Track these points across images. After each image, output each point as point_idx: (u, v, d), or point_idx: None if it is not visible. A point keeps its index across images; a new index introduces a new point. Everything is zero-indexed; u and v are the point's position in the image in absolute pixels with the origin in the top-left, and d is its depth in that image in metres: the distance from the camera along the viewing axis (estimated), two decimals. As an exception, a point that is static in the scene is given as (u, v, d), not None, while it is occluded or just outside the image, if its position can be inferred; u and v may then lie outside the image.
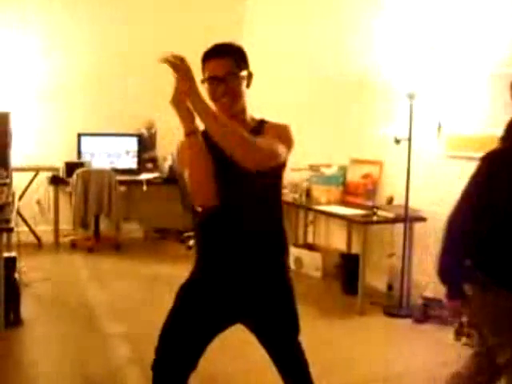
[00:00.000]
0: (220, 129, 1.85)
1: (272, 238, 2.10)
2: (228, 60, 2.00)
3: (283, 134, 2.04)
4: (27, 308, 4.06)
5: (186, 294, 2.10)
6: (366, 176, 5.14)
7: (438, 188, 4.43)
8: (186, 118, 1.88)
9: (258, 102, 2.49)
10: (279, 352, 2.16)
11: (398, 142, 4.41)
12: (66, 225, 6.25)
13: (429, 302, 4.25)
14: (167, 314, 2.09)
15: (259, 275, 2.07)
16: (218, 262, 2.08)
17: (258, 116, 2.14)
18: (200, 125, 1.91)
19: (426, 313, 4.22)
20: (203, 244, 2.12)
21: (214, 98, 1.99)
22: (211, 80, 1.98)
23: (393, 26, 4.87)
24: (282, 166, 2.07)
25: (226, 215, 2.02)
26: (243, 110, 2.05)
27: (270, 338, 2.14)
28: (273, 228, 2.11)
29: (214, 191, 1.94)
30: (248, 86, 2.06)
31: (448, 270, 2.21)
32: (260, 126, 2.07)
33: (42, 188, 6.35)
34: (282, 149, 1.98)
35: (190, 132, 1.89)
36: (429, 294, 4.33)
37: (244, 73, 2.03)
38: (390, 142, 4.52)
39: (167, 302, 2.13)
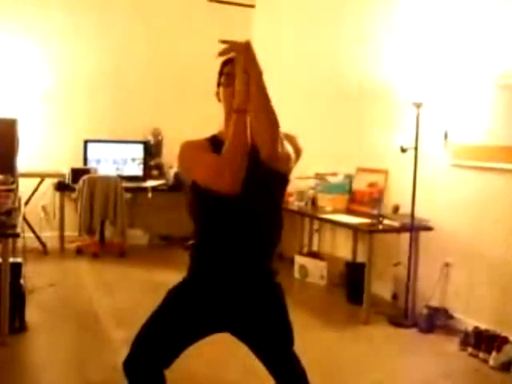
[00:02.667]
0: (267, 101, 1.84)
1: (264, 250, 2.08)
2: None
3: (295, 144, 2.06)
4: (32, 314, 4.05)
5: (173, 296, 2.12)
6: (371, 185, 5.13)
7: (444, 197, 4.42)
8: (243, 93, 1.85)
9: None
10: (272, 364, 2.10)
11: (404, 150, 4.40)
12: (71, 231, 6.27)
13: (434, 312, 4.23)
14: (151, 313, 2.11)
15: (244, 285, 2.04)
16: (208, 270, 2.07)
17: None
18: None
19: (431, 323, 4.19)
20: (197, 252, 2.11)
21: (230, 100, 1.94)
22: (227, 78, 1.99)
23: (400, 36, 4.88)
24: (286, 182, 2.09)
25: (227, 229, 2.02)
26: None
27: (260, 349, 2.09)
28: (268, 243, 2.09)
29: (241, 176, 1.86)
30: None
31: None
32: None
33: (47, 194, 6.36)
34: (293, 156, 2.02)
35: (241, 109, 1.86)
36: (434, 303, 4.33)
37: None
38: (395, 151, 4.51)
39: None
